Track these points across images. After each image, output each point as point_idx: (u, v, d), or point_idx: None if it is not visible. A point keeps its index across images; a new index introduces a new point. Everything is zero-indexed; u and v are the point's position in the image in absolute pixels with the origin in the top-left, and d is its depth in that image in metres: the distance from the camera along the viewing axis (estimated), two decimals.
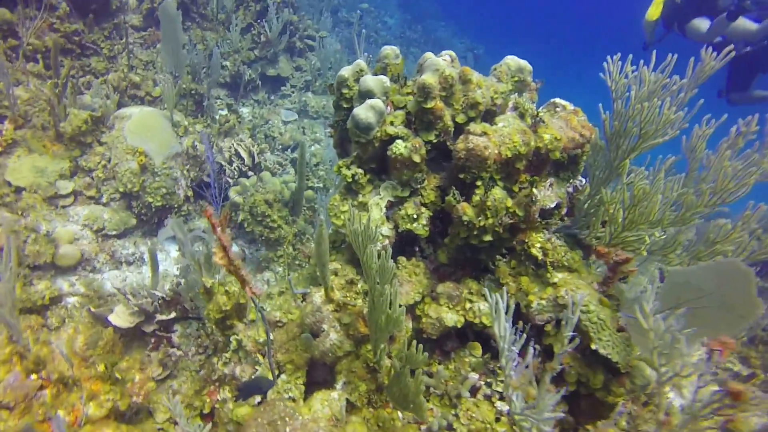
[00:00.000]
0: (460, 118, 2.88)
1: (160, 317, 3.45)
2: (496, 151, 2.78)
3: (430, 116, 2.81)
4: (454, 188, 2.78)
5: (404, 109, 2.99)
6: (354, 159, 3.00)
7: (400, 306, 2.23)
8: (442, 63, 2.76)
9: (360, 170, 2.98)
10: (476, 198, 2.78)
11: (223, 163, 5.42)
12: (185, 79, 6.47)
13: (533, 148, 2.90)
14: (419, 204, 2.98)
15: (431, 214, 3.00)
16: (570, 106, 3.17)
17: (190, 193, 5.24)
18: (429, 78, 2.74)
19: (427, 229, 2.97)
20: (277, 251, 4.89)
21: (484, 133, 2.77)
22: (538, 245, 3.00)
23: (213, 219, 2.07)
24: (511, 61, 3.18)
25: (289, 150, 6.82)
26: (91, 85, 5.39)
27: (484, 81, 2.92)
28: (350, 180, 2.97)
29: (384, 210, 3.01)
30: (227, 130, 6.04)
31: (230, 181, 5.37)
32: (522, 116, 2.99)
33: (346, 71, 3.09)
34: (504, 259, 3.13)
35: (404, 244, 3.14)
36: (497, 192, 2.73)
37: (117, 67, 6.07)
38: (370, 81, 2.89)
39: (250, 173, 5.48)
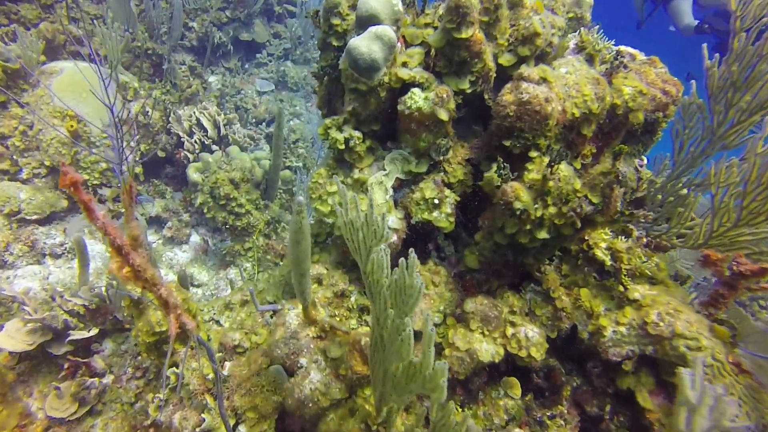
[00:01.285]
0: (506, 59, 1.92)
1: (75, 335, 2.42)
2: (560, 108, 1.84)
3: (464, 53, 1.84)
4: (501, 160, 1.82)
5: (422, 46, 2.01)
6: (349, 117, 2.01)
7: (435, 351, 1.27)
8: None
9: (357, 133, 2.00)
10: (531, 176, 1.83)
11: (182, 134, 4.35)
12: (140, 36, 5.33)
13: (608, 106, 1.96)
14: (441, 184, 2.02)
15: (458, 199, 2.05)
16: (641, 55, 2.23)
17: (139, 169, 4.16)
18: None
19: (452, 220, 2.02)
20: (244, 242, 3.88)
21: (544, 80, 1.81)
22: (604, 245, 2.08)
23: (82, 195, 1.07)
24: None
25: (263, 124, 5.75)
26: (17, 36, 4.23)
27: (542, 5, 1.95)
28: (342, 147, 1.99)
29: (390, 192, 2.04)
30: (189, 97, 4.95)
31: (189, 156, 4.31)
32: (590, 60, 2.04)
33: None
34: (551, 263, 2.21)
35: (416, 239, 2.19)
36: (564, 168, 1.79)
37: (54, 17, 4.89)
38: (374, 1, 1.90)
39: (214, 147, 4.43)
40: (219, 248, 4.04)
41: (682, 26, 5.58)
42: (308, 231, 1.52)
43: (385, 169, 2.04)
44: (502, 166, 1.81)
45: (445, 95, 1.83)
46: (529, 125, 1.81)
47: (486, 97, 1.96)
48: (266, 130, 5.53)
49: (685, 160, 2.21)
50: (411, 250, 1.29)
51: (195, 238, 4.22)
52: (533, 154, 1.87)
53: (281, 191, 4.51)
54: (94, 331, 2.44)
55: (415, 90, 1.88)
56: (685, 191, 2.23)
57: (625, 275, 2.01)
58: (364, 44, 1.81)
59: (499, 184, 1.84)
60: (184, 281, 2.79)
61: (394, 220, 1.98)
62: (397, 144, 2.09)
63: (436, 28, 2.03)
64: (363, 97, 1.93)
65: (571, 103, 1.88)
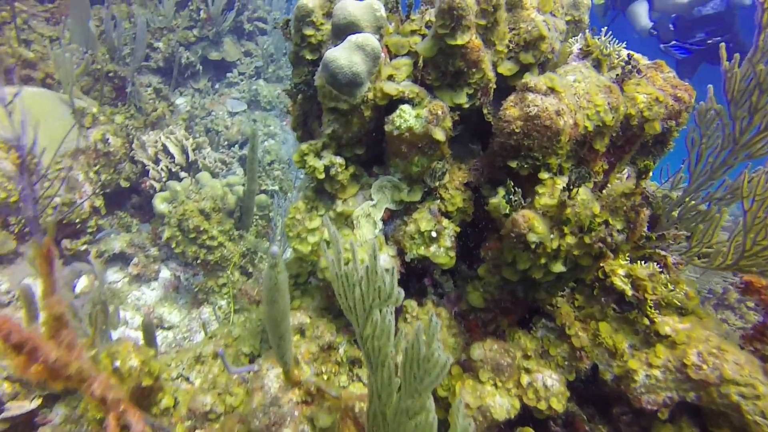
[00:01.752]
0: (507, 68, 1.66)
1: (12, 409, 2.04)
2: (571, 122, 1.58)
3: (459, 62, 1.57)
4: (511, 184, 1.55)
5: (409, 56, 1.74)
6: (328, 140, 1.72)
7: None
8: None
9: (338, 159, 1.70)
10: (543, 201, 1.57)
11: (146, 161, 3.99)
12: (101, 58, 4.97)
13: (622, 117, 1.72)
14: (438, 213, 1.74)
15: (457, 229, 1.77)
16: (645, 59, 2.01)
17: (100, 202, 3.78)
18: None
19: (452, 255, 1.74)
20: (218, 278, 3.53)
21: (552, 90, 1.56)
22: (622, 272, 1.83)
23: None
24: None
25: (236, 146, 5.42)
26: None
27: (550, 2, 1.71)
28: (322, 176, 1.69)
29: (380, 225, 1.75)
30: (154, 121, 4.60)
31: (156, 186, 3.95)
32: (598, 66, 1.80)
33: None
34: (562, 294, 1.95)
35: (409, 274, 1.90)
36: (583, 192, 1.53)
37: (2, 39, 4.51)
38: (352, 7, 1.62)
39: (183, 174, 4.08)
40: (192, 284, 3.68)
41: (639, 28, 5.69)
42: (286, 287, 1.22)
43: (372, 199, 1.76)
44: (512, 190, 1.54)
45: (440, 112, 1.56)
46: (538, 143, 1.55)
47: (485, 111, 1.69)
48: (239, 152, 5.20)
49: (703, 172, 1.98)
50: (432, 314, 1.00)
51: (165, 273, 3.85)
52: (544, 175, 1.60)
53: (257, 217, 4.18)
54: (36, 402, 2.06)
55: (405, 107, 1.60)
56: (703, 206, 2.00)
57: (650, 306, 1.76)
58: (343, 56, 1.53)
59: (507, 212, 1.57)
60: (150, 332, 2.43)
61: (387, 258, 1.69)
62: (385, 169, 1.80)
63: (423, 35, 1.77)
64: (344, 118, 1.64)
65: (583, 115, 1.63)
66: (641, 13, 5.69)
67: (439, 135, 1.57)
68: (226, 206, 3.73)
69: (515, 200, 1.55)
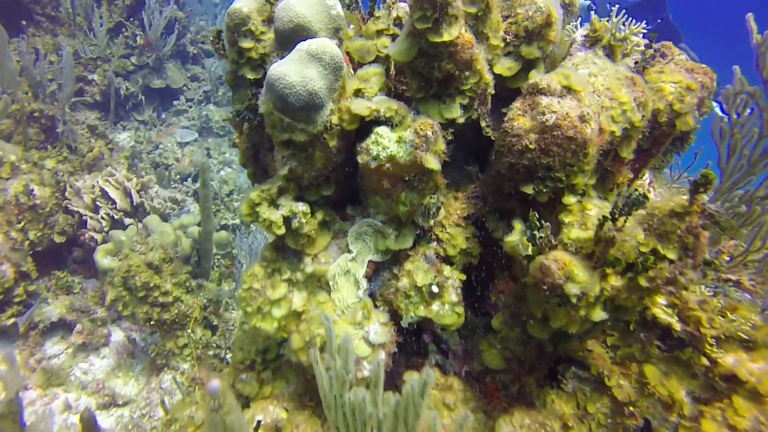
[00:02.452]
0: (506, 66, 1.28)
1: None
2: (596, 127, 1.22)
3: (447, 64, 1.18)
4: (535, 216, 1.16)
5: (379, 62, 1.34)
6: (285, 183, 1.29)
7: None
8: None
9: (301, 206, 1.28)
10: (574, 234, 1.19)
11: (83, 211, 3.45)
12: (22, 97, 4.38)
13: (650, 114, 1.37)
14: (436, 260, 1.34)
15: (463, 277, 1.37)
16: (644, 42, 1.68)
17: (29, 266, 3.22)
18: None
19: (460, 311, 1.34)
20: (178, 338, 3.02)
21: (569, 90, 1.19)
22: (664, 301, 1.47)
23: None
24: None
25: (189, 179, 4.91)
26: None
27: None
28: (282, 230, 1.27)
29: (364, 285, 1.34)
30: (91, 162, 4.05)
31: (97, 237, 3.41)
32: (610, 54, 1.45)
33: (243, 3, 1.39)
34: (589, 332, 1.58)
35: (406, 333, 1.49)
36: (631, 225, 1.15)
37: None
38: (299, 6, 1.21)
39: (128, 221, 3.55)
40: (149, 345, 3.16)
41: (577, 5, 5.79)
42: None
43: (350, 251, 1.34)
44: (537, 225, 1.15)
45: (429, 132, 1.16)
46: (560, 159, 1.18)
47: (483, 125, 1.31)
48: (194, 186, 4.69)
49: (738, 167, 1.66)
50: None
51: (117, 336, 3.31)
52: (569, 199, 1.23)
53: (219, 257, 3.69)
54: None
55: (382, 130, 1.20)
56: (743, 208, 1.68)
57: (709, 343, 1.41)
58: (293, 70, 1.11)
59: (531, 252, 1.18)
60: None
61: (378, 329, 1.27)
62: (362, 210, 1.39)
63: (394, 36, 1.38)
64: (303, 152, 1.22)
65: (607, 117, 1.27)
66: None
67: (432, 163, 1.17)
68: (180, 253, 3.23)
69: (543, 239, 1.17)
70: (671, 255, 1.21)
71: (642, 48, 1.42)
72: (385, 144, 1.19)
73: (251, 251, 3.77)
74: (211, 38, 1.49)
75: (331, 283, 1.33)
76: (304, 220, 1.27)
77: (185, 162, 5.06)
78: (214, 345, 2.96)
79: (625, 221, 1.10)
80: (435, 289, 1.30)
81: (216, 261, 3.59)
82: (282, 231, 1.26)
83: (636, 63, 1.42)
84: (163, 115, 6.02)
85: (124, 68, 5.75)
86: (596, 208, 1.23)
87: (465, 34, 1.15)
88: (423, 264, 1.33)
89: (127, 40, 5.82)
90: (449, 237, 1.37)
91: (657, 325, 1.48)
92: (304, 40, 1.21)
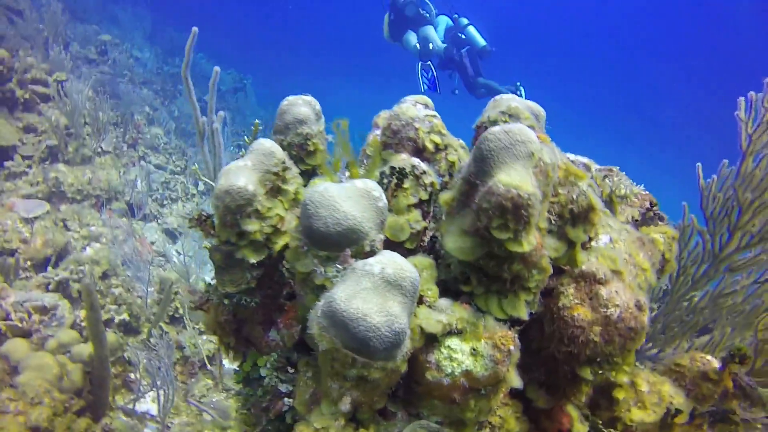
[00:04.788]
0: (553, 248, 1.22)
1: None
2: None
3: (517, 265, 1.07)
4: (597, 421, 1.12)
5: (413, 242, 1.18)
6: (343, 421, 1.04)
7: None
8: (531, 135, 1.04)
9: None
10: (637, 416, 1.19)
11: None
12: None
13: None
14: None
15: None
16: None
17: None
18: (519, 177, 1.00)
19: None
20: None
21: (616, 273, 1.19)
22: None
23: None
24: (519, 104, 1.62)
25: (50, 266, 3.94)
26: None
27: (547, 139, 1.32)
28: None
29: None
30: None
31: None
32: (609, 207, 1.50)
33: (244, 178, 1.10)
34: None
35: None
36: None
37: None
38: (347, 206, 0.98)
39: None
40: None
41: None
42: None
43: None
44: (597, 422, 1.11)
45: (511, 347, 1.04)
46: (620, 346, 1.16)
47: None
48: (58, 275, 3.75)
49: (685, 283, 1.87)
50: None
51: None
52: (622, 378, 1.22)
53: (114, 377, 3.00)
54: None
55: (454, 344, 1.04)
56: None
57: None
58: (374, 308, 0.89)
59: None
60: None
61: None
62: (408, 407, 1.21)
63: (424, 210, 1.23)
64: (369, 383, 1.00)
65: (635, 285, 1.30)
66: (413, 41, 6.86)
67: (516, 381, 1.06)
68: (68, 386, 2.53)
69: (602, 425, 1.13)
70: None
71: (638, 204, 1.50)
72: (460, 360, 1.04)
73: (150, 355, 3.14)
74: (194, 219, 1.15)
75: None
76: None
77: (38, 243, 4.04)
78: None
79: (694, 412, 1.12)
80: None
81: (113, 385, 2.90)
82: None
83: (633, 219, 1.49)
84: None
85: None
86: (646, 383, 1.24)
87: (539, 237, 1.07)
88: None
89: None
90: (501, 421, 1.26)
91: None
92: (349, 244, 1.00)
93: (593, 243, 1.29)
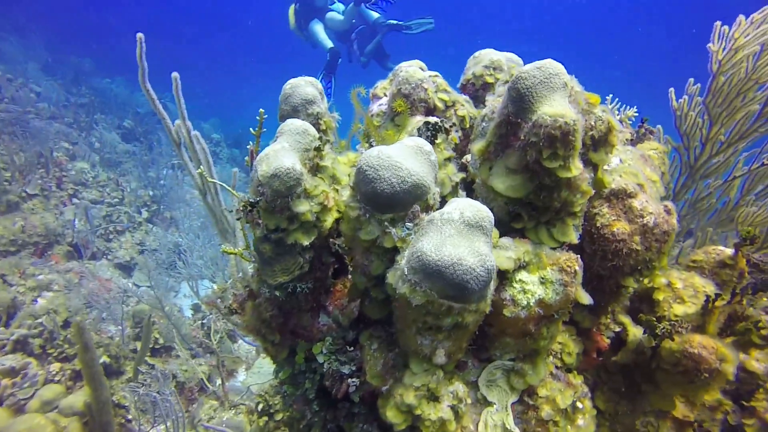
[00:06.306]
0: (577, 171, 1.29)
1: None
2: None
3: (565, 192, 1.12)
4: (653, 320, 1.20)
5: (454, 188, 1.19)
6: (449, 375, 1.04)
7: None
8: (561, 67, 1.08)
9: (461, 389, 1.06)
10: (681, 310, 1.29)
11: None
12: None
13: None
14: (564, 375, 1.29)
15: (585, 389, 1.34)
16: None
17: None
18: (561, 106, 1.04)
19: (594, 418, 1.31)
20: None
21: (641, 187, 1.28)
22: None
23: None
24: (500, 56, 1.68)
25: (0, 326, 3.53)
26: None
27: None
28: (452, 427, 1.02)
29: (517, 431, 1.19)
30: None
31: None
32: None
33: (288, 159, 1.05)
34: None
35: None
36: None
37: None
38: (408, 163, 0.98)
39: None
40: None
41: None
42: None
43: (490, 401, 1.17)
44: (653, 323, 1.20)
45: (576, 267, 1.09)
46: (657, 250, 1.25)
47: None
48: (13, 334, 3.37)
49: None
50: None
51: None
52: (660, 281, 1.32)
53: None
54: None
55: (525, 277, 1.08)
56: None
57: None
58: (465, 251, 0.89)
59: (653, 344, 1.23)
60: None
61: None
62: (480, 352, 1.23)
63: (462, 164, 1.25)
64: (462, 330, 1.01)
65: (655, 195, 1.40)
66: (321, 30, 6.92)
67: (585, 297, 1.11)
68: None
69: (663, 328, 1.22)
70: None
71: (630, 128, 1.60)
72: (533, 291, 1.07)
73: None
74: (241, 207, 1.09)
75: None
76: (469, 401, 1.05)
77: None
78: None
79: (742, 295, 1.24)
80: (580, 405, 1.25)
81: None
82: (453, 426, 1.02)
83: (630, 140, 1.60)
84: None
85: None
86: (679, 280, 1.35)
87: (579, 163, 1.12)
88: (556, 384, 1.25)
89: None
90: (562, 346, 1.32)
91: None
92: (419, 196, 1.00)
93: (606, 166, 1.37)
